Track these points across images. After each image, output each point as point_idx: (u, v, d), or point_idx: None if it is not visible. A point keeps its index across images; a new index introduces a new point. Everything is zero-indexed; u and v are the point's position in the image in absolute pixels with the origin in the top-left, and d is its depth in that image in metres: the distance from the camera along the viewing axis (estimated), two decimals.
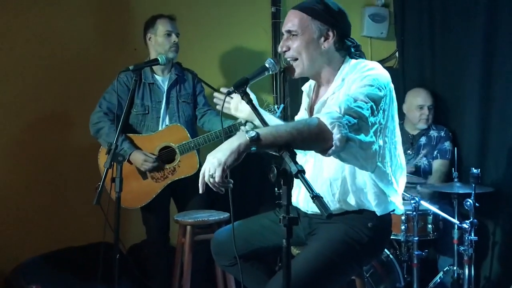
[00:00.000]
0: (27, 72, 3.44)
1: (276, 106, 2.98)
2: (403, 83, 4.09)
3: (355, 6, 4.28)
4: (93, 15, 3.61)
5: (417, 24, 3.97)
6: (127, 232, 3.56)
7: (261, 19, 4.03)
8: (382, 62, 4.32)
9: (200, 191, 1.61)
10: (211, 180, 1.55)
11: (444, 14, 3.68)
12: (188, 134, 3.08)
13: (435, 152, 3.52)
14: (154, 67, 3.15)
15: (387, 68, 4.36)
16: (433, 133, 3.57)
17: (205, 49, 3.87)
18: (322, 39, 1.89)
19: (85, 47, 3.57)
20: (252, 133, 1.53)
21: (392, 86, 1.85)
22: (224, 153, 1.52)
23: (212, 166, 1.53)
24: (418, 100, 3.55)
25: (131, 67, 2.64)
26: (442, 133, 3.55)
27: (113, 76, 2.86)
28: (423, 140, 3.58)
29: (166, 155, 3.08)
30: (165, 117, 3.15)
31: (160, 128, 3.12)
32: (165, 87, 3.17)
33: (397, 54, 4.26)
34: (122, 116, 2.62)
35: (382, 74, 1.82)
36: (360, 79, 1.78)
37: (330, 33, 1.89)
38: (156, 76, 3.17)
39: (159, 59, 2.85)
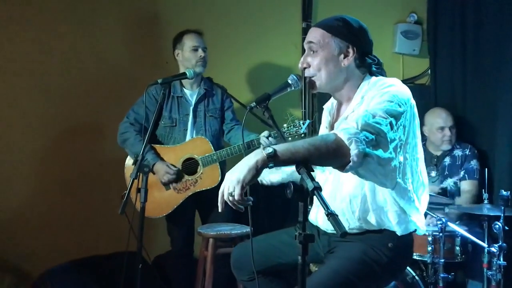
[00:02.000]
0: (63, 84, 3.56)
1: (301, 122, 2.96)
2: (434, 101, 4.03)
3: (387, 23, 4.27)
4: (126, 29, 3.72)
5: (449, 42, 3.92)
6: (153, 242, 3.60)
7: (292, 34, 4.05)
8: (414, 79, 4.29)
9: (220, 210, 1.61)
10: (230, 198, 1.55)
11: (477, 32, 3.63)
12: (212, 147, 3.10)
13: (462, 173, 3.43)
14: (183, 81, 3.19)
15: (419, 85, 4.36)
16: (458, 152, 3.48)
17: (235, 64, 3.92)
18: (342, 56, 1.89)
19: (117, 61, 3.68)
20: (269, 149, 1.53)
21: (413, 102, 1.83)
22: (242, 171, 1.53)
23: (231, 184, 1.54)
24: (439, 122, 3.47)
25: (159, 81, 2.69)
26: (467, 151, 3.46)
27: (144, 89, 2.92)
28: (447, 160, 3.49)
29: (189, 167, 3.12)
30: (192, 130, 3.19)
31: (186, 140, 3.16)
32: (193, 101, 3.22)
33: (429, 71, 4.20)
34: (150, 128, 2.67)
35: (402, 91, 1.80)
36: (379, 95, 1.77)
37: (350, 50, 1.88)
38: (185, 90, 3.22)
39: (187, 73, 2.88)
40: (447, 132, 3.45)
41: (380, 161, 1.66)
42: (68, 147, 3.57)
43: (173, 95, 3.19)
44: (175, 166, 3.07)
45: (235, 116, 3.33)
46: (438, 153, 3.54)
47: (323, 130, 2.10)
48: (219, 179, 3.10)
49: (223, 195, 1.57)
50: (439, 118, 3.48)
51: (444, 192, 3.43)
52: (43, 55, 3.52)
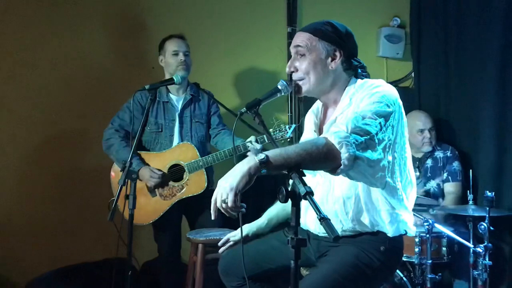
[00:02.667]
0: (50, 90, 3.54)
1: (287, 126, 2.97)
2: (418, 103, 4.08)
3: (371, 27, 4.32)
4: (111, 35, 3.70)
5: (432, 45, 3.98)
6: (140, 249, 3.58)
7: (277, 39, 4.07)
8: (398, 82, 4.34)
9: (213, 218, 1.61)
10: (224, 205, 1.55)
11: (460, 35, 3.68)
12: (198, 153, 3.10)
13: (445, 175, 3.47)
14: (170, 86, 3.19)
15: (403, 88, 4.41)
16: (439, 154, 3.53)
17: (222, 69, 3.93)
18: (330, 59, 1.91)
19: (104, 67, 3.67)
20: (262, 156, 1.54)
21: (400, 102, 1.86)
22: (235, 178, 1.53)
23: (224, 191, 1.53)
24: (419, 125, 3.51)
25: (146, 87, 2.67)
26: (449, 153, 3.50)
27: (131, 94, 2.91)
28: (429, 162, 3.53)
29: (175, 173, 3.11)
30: (179, 136, 3.18)
31: (173, 145, 3.16)
32: (179, 106, 3.21)
33: (412, 74, 4.26)
34: (137, 134, 2.67)
35: (390, 91, 1.84)
36: (368, 96, 1.80)
37: (337, 53, 1.91)
38: (171, 95, 3.22)
39: (175, 79, 2.88)
40: (427, 134, 3.50)
41: (369, 163, 1.69)
42: (55, 153, 3.54)
43: (159, 100, 3.18)
44: (160, 170, 3.07)
45: (221, 121, 3.33)
46: (419, 155, 3.58)
47: (310, 133, 2.09)
48: (205, 185, 3.09)
49: (216, 202, 1.57)
50: (418, 121, 3.53)
51: (427, 194, 3.47)
52: (28, 60, 3.49)
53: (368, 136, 1.68)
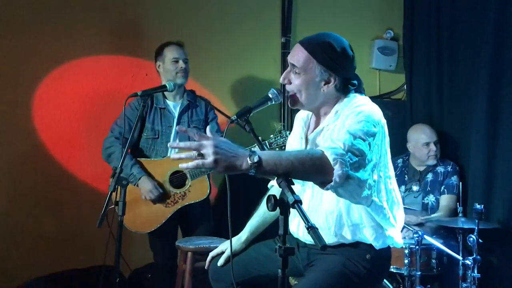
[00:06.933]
0: (40, 96, 3.51)
1: (288, 132, 2.98)
2: (410, 116, 4.10)
3: (364, 39, 4.34)
4: (106, 42, 3.69)
5: (425, 58, 4.01)
6: (130, 256, 3.55)
7: (271, 49, 4.09)
8: (390, 94, 4.37)
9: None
10: (194, 153, 1.61)
11: (452, 48, 3.72)
12: None
13: (442, 188, 3.48)
14: (166, 93, 3.18)
15: (395, 100, 4.42)
16: (440, 168, 3.53)
17: (215, 77, 3.93)
18: (323, 83, 1.89)
19: (97, 73, 3.65)
20: (256, 158, 1.52)
21: (384, 121, 1.87)
22: (220, 162, 1.51)
23: (208, 152, 1.55)
24: (424, 138, 3.52)
25: (139, 93, 2.68)
26: (449, 168, 3.51)
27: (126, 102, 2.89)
28: (430, 176, 3.53)
29: (177, 180, 3.10)
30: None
31: (169, 153, 3.14)
32: (176, 112, 3.21)
33: (405, 86, 4.29)
34: (128, 139, 2.65)
35: (374, 111, 1.84)
36: (354, 114, 1.80)
37: (332, 79, 1.89)
38: (168, 101, 3.22)
39: (167, 86, 2.88)
40: (433, 147, 3.50)
41: (359, 183, 1.69)
42: (43, 159, 3.51)
43: (156, 106, 3.18)
44: (161, 187, 3.05)
45: (219, 128, 3.31)
46: (421, 169, 3.58)
47: (297, 140, 2.08)
48: (208, 191, 3.09)
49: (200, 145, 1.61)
50: (423, 134, 3.53)
51: (425, 207, 3.47)
52: (19, 66, 3.47)
53: (362, 156, 1.69)
